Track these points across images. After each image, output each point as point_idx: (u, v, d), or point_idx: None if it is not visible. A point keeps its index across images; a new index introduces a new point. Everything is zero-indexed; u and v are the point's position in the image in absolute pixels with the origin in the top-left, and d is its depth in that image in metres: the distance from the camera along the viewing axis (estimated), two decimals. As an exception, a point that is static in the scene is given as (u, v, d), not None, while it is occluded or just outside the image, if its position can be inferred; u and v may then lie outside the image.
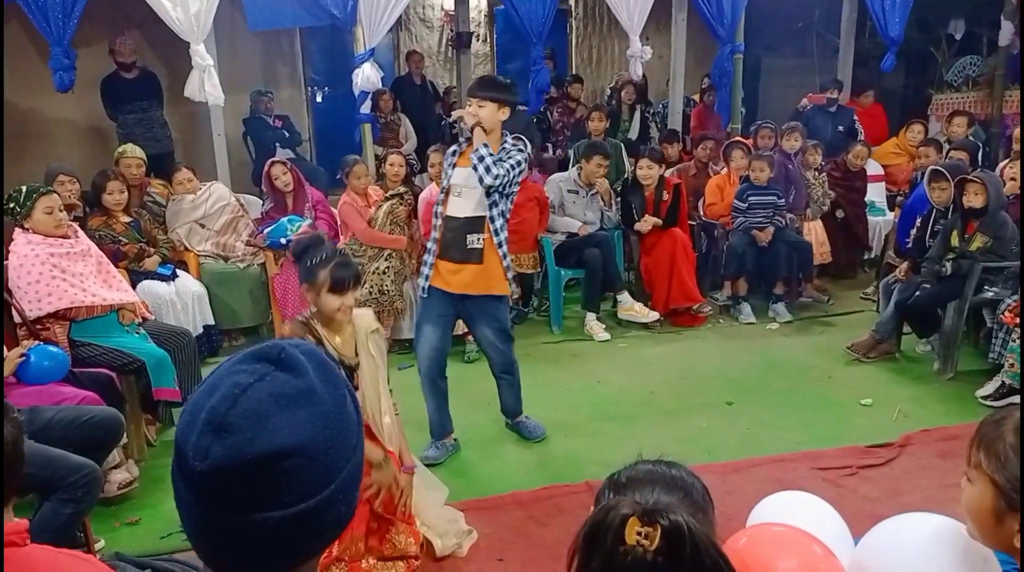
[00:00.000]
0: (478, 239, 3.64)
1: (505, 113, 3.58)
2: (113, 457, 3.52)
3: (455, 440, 3.96)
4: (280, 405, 0.86)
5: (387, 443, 2.87)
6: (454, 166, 3.71)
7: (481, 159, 3.50)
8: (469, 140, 3.65)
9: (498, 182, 3.50)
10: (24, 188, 3.79)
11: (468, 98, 3.67)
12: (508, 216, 3.73)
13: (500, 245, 3.68)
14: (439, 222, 3.73)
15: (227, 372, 0.90)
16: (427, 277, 3.75)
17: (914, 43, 8.59)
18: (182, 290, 4.88)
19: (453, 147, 3.80)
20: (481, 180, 3.50)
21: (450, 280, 3.71)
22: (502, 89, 3.61)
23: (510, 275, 3.80)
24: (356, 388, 2.75)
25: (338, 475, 0.90)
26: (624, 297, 5.57)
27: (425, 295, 3.80)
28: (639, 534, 1.00)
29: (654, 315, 5.52)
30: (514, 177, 3.58)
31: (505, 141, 3.65)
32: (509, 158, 3.56)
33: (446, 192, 3.71)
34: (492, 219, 3.63)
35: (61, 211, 3.87)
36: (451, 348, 5.26)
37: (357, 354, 2.83)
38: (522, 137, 3.96)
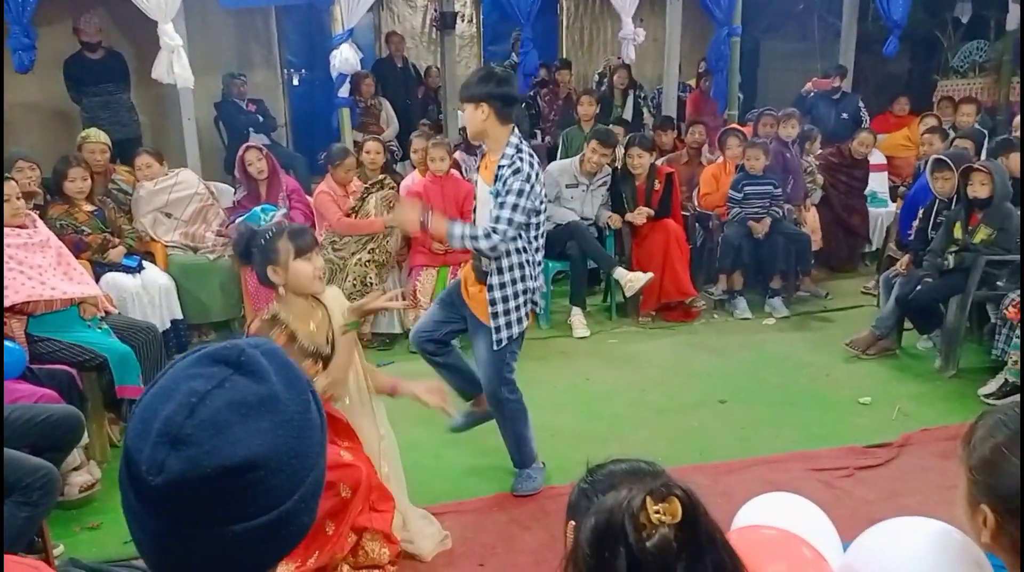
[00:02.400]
0: (486, 262, 3.18)
1: (485, 111, 3.06)
2: (74, 458, 3.41)
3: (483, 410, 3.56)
4: (241, 414, 0.82)
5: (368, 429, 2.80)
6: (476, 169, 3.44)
7: (461, 239, 3.09)
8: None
9: (497, 250, 3.06)
10: None
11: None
12: (533, 242, 3.20)
13: (504, 285, 3.16)
14: None
15: (182, 376, 0.84)
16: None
17: (919, 27, 8.41)
18: (148, 283, 4.68)
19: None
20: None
21: (468, 287, 3.35)
22: (470, 85, 3.14)
23: (506, 316, 3.20)
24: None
25: (301, 485, 0.86)
26: (619, 272, 5.19)
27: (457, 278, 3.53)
28: (657, 512, 1.01)
29: (648, 275, 5.08)
30: (523, 212, 3.04)
31: (504, 153, 3.11)
32: (507, 194, 3.03)
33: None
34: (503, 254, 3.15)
35: (19, 199, 3.72)
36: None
37: (330, 341, 2.69)
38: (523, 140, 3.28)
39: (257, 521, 0.82)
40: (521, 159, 3.09)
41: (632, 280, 5.11)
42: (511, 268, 3.15)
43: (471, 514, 3.28)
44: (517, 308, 3.21)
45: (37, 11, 4.86)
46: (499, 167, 3.10)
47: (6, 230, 3.63)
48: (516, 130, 3.18)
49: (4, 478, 2.66)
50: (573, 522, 1.19)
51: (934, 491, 3.30)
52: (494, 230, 3.04)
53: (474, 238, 3.06)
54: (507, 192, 3.05)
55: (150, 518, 0.83)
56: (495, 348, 3.22)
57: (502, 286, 3.16)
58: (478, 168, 3.37)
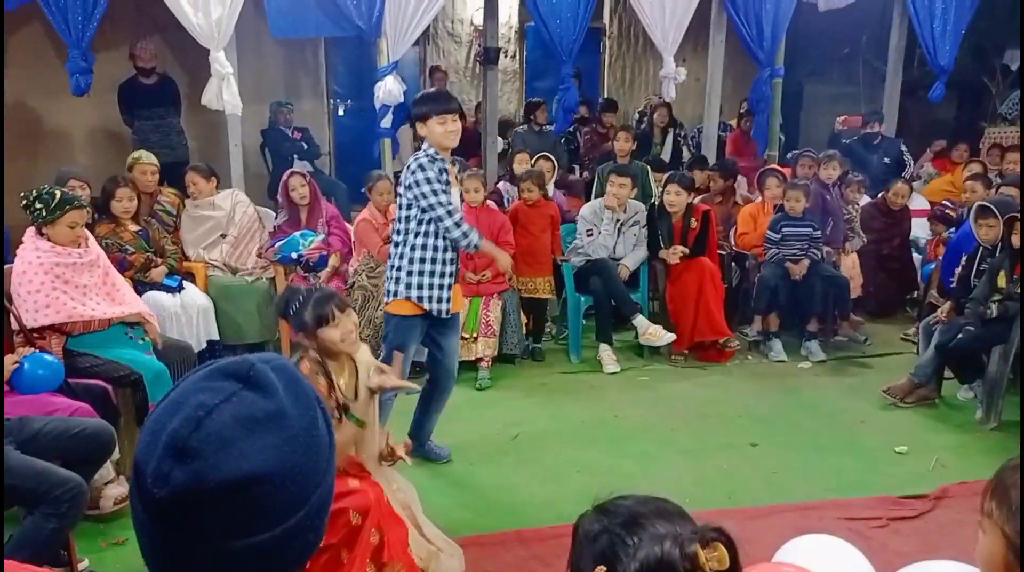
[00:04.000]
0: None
1: (422, 127, 3.49)
2: (108, 472, 3.47)
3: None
4: (247, 429, 0.81)
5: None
6: (448, 184, 3.59)
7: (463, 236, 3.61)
8: (433, 154, 3.53)
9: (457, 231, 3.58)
10: (58, 194, 3.69)
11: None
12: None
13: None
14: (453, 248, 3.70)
15: (192, 389, 0.85)
16: (448, 300, 3.66)
17: (966, 73, 8.35)
18: (188, 302, 4.76)
19: (437, 162, 3.54)
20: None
21: (456, 301, 3.78)
22: (452, 97, 3.68)
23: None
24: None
25: (307, 502, 0.86)
26: (639, 320, 5.23)
27: (446, 316, 3.71)
28: (709, 560, 1.04)
29: (670, 336, 5.19)
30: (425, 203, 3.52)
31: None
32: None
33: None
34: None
35: (83, 227, 3.81)
36: (462, 374, 5.12)
37: (357, 396, 2.77)
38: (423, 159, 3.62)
39: (261, 537, 0.82)
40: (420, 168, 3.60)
41: (651, 335, 5.14)
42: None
43: (491, 547, 3.23)
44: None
45: (96, 37, 5.03)
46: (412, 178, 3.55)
47: (58, 249, 3.72)
48: None
49: (33, 488, 2.70)
50: (604, 567, 1.15)
51: (971, 545, 3.16)
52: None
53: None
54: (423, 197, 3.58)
55: (155, 531, 0.83)
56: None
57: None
58: (448, 182, 3.57)
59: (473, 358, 5.06)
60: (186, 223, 5.21)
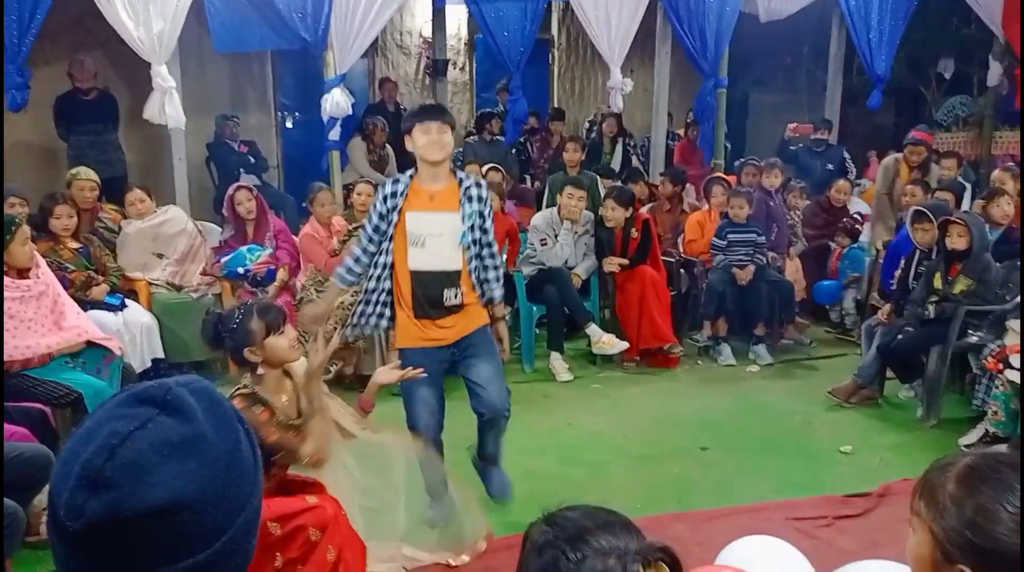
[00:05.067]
0: (455, 294, 3.17)
1: (410, 142, 3.16)
2: (45, 497, 3.32)
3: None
4: (163, 455, 0.80)
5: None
6: (399, 209, 3.14)
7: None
8: (414, 173, 3.19)
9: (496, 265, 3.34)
10: None
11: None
12: None
13: (476, 285, 3.29)
14: (386, 273, 3.21)
15: (106, 417, 0.83)
16: (396, 340, 3.30)
17: (904, 81, 8.60)
18: (131, 321, 4.65)
19: (391, 184, 3.20)
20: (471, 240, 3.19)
21: (440, 335, 3.23)
22: (445, 110, 3.31)
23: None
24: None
25: (231, 525, 0.84)
26: (592, 329, 5.26)
27: (401, 361, 3.20)
28: None
29: (622, 345, 5.23)
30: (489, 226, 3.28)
31: (461, 176, 3.24)
32: (491, 214, 3.27)
33: (392, 239, 3.18)
34: (474, 271, 3.24)
35: (27, 244, 3.74)
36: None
37: (299, 412, 2.69)
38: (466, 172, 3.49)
39: (185, 563, 0.80)
40: (478, 183, 3.26)
41: (604, 343, 5.16)
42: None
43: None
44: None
45: (35, 52, 4.92)
46: (467, 188, 3.17)
47: (7, 281, 3.63)
48: None
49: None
50: None
51: (910, 542, 3.28)
52: (494, 260, 3.28)
53: (499, 285, 3.32)
54: (491, 212, 3.24)
55: (74, 564, 0.81)
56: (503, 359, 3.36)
57: (476, 286, 3.29)
58: (398, 207, 3.16)
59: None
60: (125, 242, 5.08)
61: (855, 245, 6.27)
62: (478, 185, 3.23)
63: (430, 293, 3.16)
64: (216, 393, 0.90)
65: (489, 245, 3.28)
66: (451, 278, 3.17)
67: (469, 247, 3.18)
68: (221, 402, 0.89)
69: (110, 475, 0.78)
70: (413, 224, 3.13)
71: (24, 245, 3.67)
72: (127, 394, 0.86)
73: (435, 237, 3.13)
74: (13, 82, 4.79)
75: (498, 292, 3.33)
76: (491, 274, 3.31)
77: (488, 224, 3.24)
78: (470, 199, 3.16)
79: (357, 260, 3.31)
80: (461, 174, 3.24)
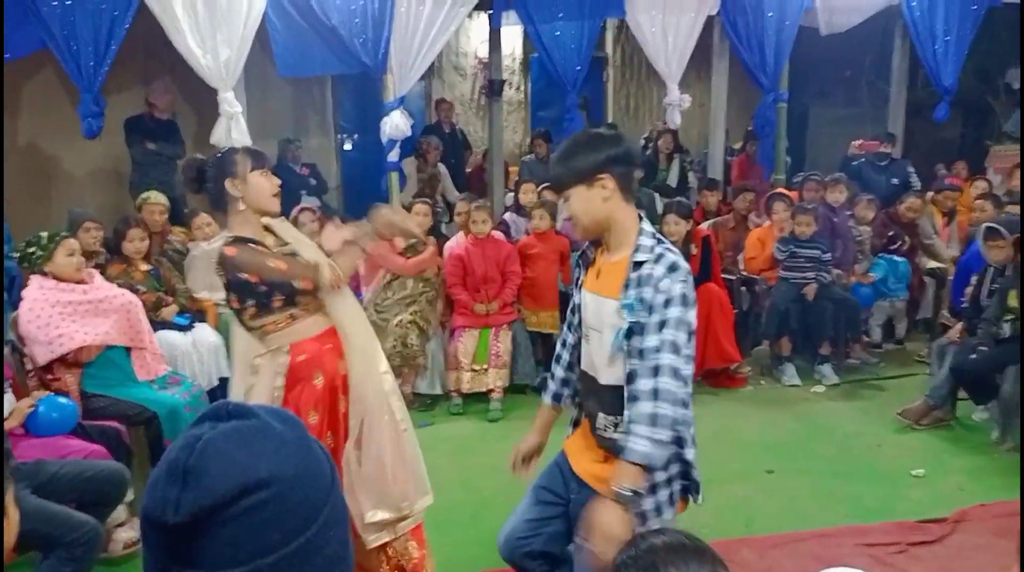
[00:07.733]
0: (613, 426, 2.18)
1: (608, 186, 2.08)
2: (119, 514, 3.45)
3: None
4: (240, 443, 0.86)
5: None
6: (580, 283, 2.32)
7: (655, 446, 1.99)
8: (598, 244, 2.26)
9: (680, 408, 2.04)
10: (44, 233, 3.81)
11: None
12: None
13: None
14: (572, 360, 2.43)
15: (183, 433, 0.90)
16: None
17: (971, 93, 8.35)
18: (199, 340, 4.75)
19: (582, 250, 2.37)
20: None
21: (577, 456, 2.36)
22: (575, 157, 2.12)
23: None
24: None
25: (322, 507, 0.88)
26: None
27: None
28: None
29: None
30: (688, 331, 2.09)
31: (639, 245, 2.11)
32: (666, 304, 2.03)
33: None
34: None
35: (73, 256, 3.85)
36: (472, 405, 5.06)
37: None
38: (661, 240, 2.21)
39: (284, 551, 0.84)
40: (668, 249, 2.12)
41: None
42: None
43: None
44: (669, 481, 2.20)
45: (108, 79, 5.09)
46: (636, 264, 2.08)
47: (63, 285, 3.77)
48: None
49: (49, 533, 2.73)
50: None
51: (990, 570, 3.16)
52: (657, 383, 2.01)
53: (653, 428, 1.99)
54: (667, 302, 2.03)
55: (180, 559, 0.84)
56: None
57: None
58: (579, 282, 2.31)
59: (484, 389, 5.06)
60: (192, 263, 5.20)
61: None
62: (657, 257, 2.08)
63: (593, 401, 2.30)
64: (275, 406, 1.00)
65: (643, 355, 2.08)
66: (612, 398, 2.17)
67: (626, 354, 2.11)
68: (281, 410, 0.96)
69: (195, 464, 0.83)
70: (585, 306, 2.28)
71: (70, 256, 3.77)
72: (198, 416, 0.93)
73: (598, 328, 2.21)
74: (89, 110, 4.96)
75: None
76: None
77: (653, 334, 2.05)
78: (630, 283, 2.09)
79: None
80: (646, 239, 2.13)
